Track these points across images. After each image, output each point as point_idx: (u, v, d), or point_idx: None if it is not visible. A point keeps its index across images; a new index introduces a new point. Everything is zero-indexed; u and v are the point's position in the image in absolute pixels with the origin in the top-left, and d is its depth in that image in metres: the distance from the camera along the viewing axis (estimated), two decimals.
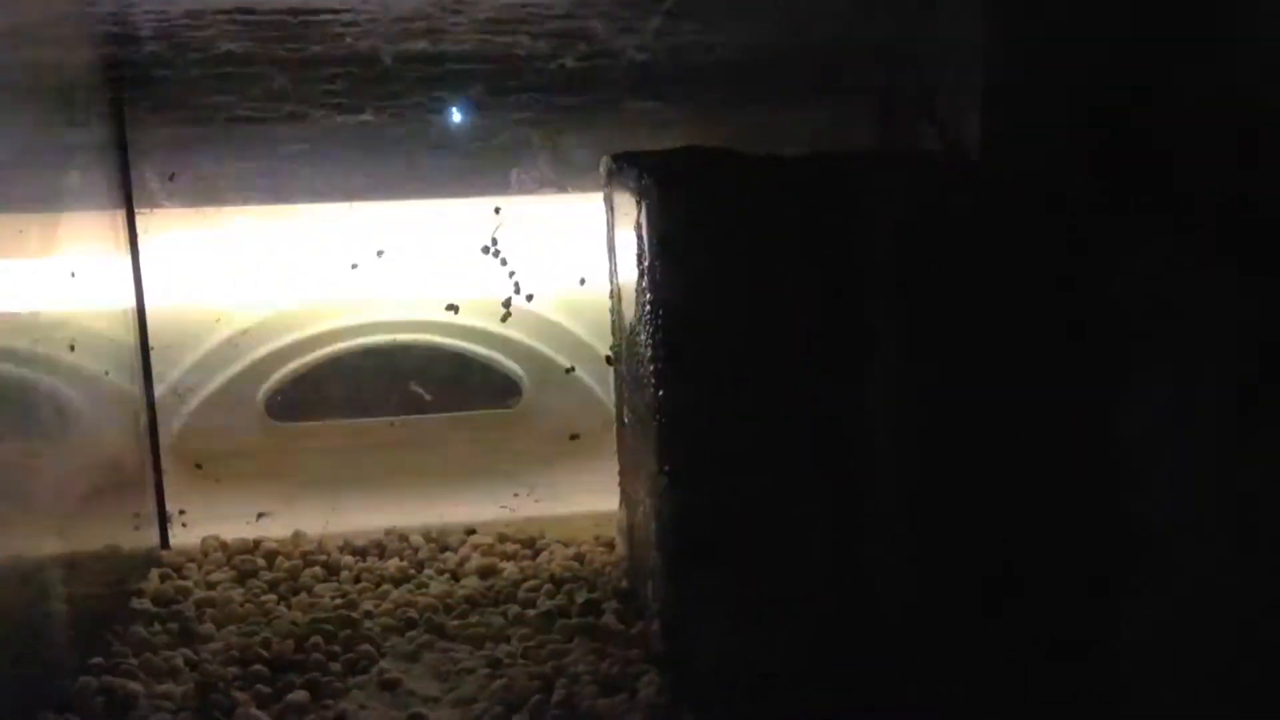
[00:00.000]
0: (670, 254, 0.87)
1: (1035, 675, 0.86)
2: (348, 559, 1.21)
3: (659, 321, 0.88)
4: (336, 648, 1.02)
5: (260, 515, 1.28)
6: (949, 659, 0.86)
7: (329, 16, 0.87)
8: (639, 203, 0.90)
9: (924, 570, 0.86)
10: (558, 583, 1.14)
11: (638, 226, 0.91)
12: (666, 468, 0.90)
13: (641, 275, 0.92)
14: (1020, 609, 0.88)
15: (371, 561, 1.21)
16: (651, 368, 0.90)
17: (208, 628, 1.06)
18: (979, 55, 1.13)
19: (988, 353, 0.84)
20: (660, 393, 0.89)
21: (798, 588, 0.88)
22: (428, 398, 1.33)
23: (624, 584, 1.13)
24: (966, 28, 1.12)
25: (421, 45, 0.92)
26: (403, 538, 1.25)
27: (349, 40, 0.90)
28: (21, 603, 0.90)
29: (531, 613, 1.09)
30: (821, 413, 0.87)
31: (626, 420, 1.12)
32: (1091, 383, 0.84)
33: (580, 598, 1.11)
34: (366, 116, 1.01)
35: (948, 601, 0.88)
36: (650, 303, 0.89)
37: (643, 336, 0.93)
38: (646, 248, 0.89)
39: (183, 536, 1.26)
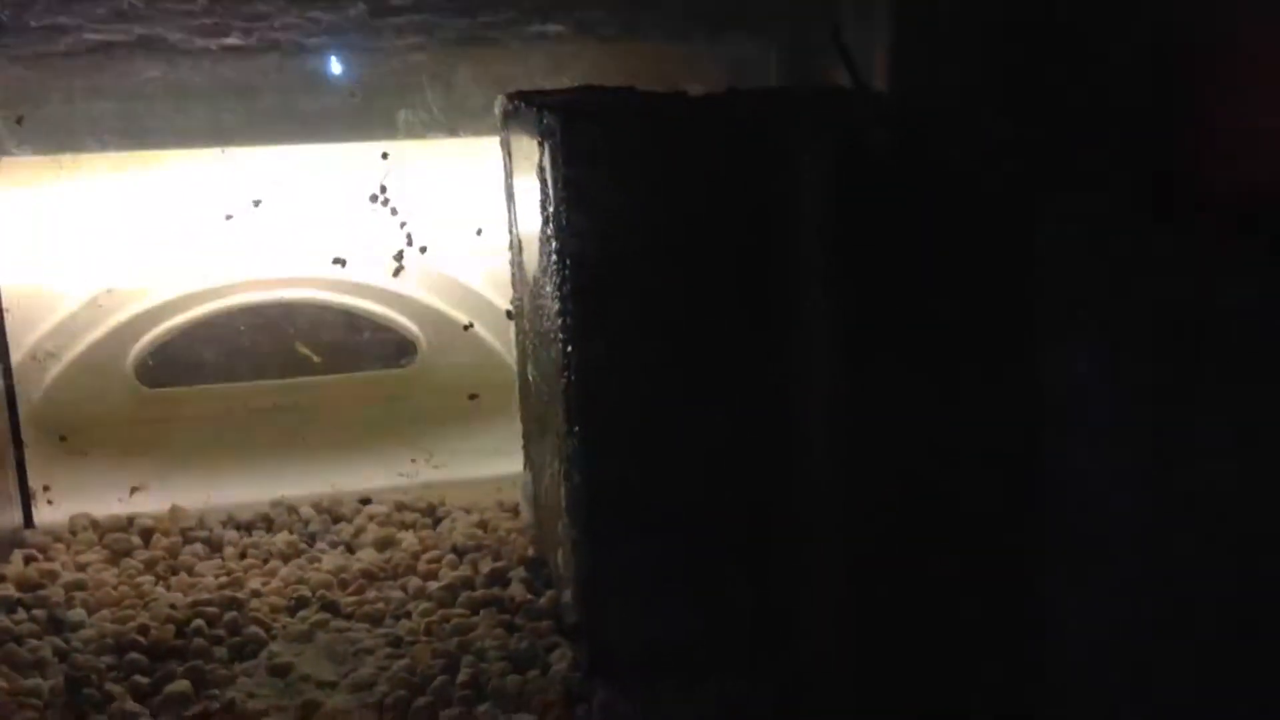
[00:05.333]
0: (576, 198, 0.80)
1: (965, 653, 0.82)
2: (231, 534, 1.13)
3: (566, 272, 0.82)
4: (221, 632, 0.94)
5: (134, 490, 1.18)
6: (879, 634, 0.82)
7: None
8: (541, 144, 0.83)
9: (854, 536, 0.82)
10: (460, 553, 1.08)
11: (540, 170, 0.85)
12: (577, 429, 0.84)
13: (545, 222, 0.85)
14: (951, 578, 0.85)
15: (258, 536, 1.13)
16: (559, 322, 0.84)
17: (78, 614, 0.97)
18: None
19: (914, 298, 0.79)
20: (569, 349, 0.83)
21: (717, 556, 0.83)
22: (315, 359, 1.25)
23: (530, 552, 1.07)
24: None
25: None
26: (291, 510, 1.17)
27: None
28: None
29: (433, 585, 1.02)
30: (743, 366, 0.81)
31: (531, 378, 1.06)
32: (1019, 331, 0.80)
33: (485, 568, 1.05)
34: (232, 40, 0.91)
35: (877, 572, 0.84)
36: (556, 252, 0.82)
37: (549, 289, 0.86)
38: (550, 192, 0.82)
39: (48, 515, 1.16)
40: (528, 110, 0.94)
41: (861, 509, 0.82)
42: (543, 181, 0.84)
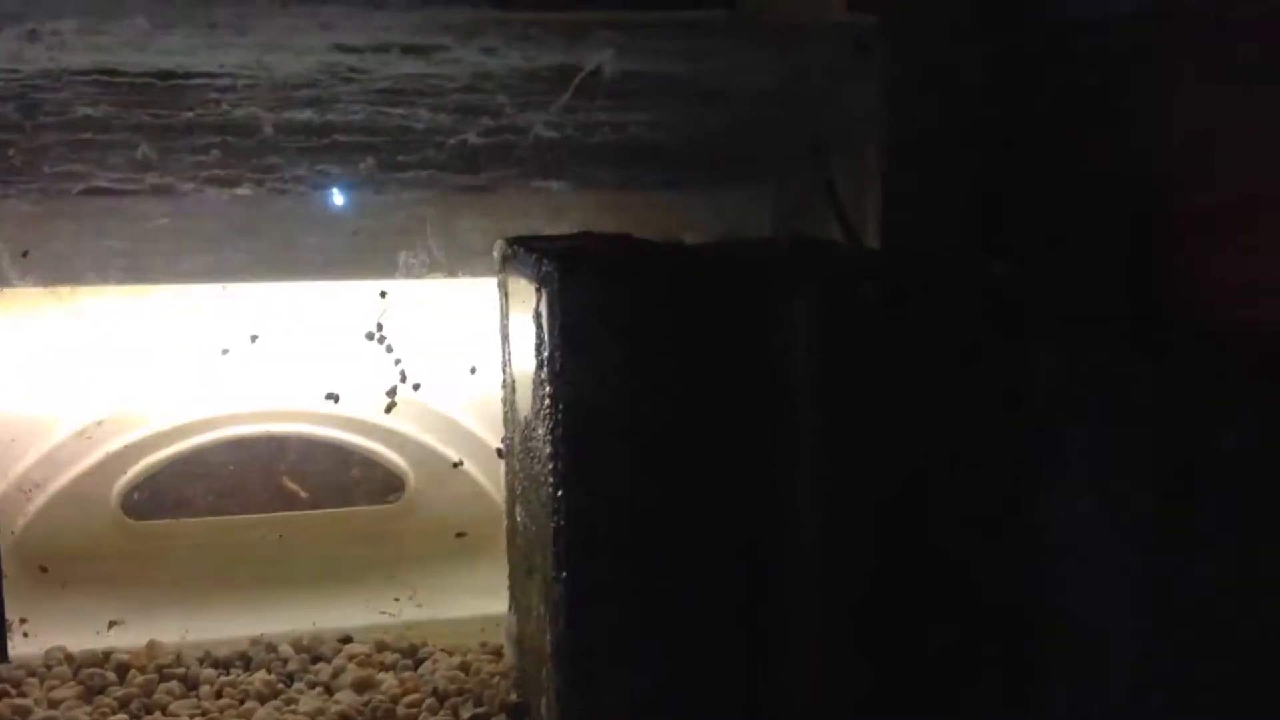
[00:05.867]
0: (571, 345, 0.81)
1: None
2: (208, 672, 1.10)
3: (559, 416, 0.82)
4: None
5: (112, 624, 1.16)
6: None
7: (203, 81, 0.80)
8: (538, 290, 0.85)
9: (845, 678, 0.81)
10: (441, 697, 1.06)
11: (536, 315, 0.86)
12: (564, 573, 0.84)
13: (540, 366, 0.86)
14: (944, 705, 0.84)
15: (235, 675, 1.10)
16: (550, 465, 0.84)
17: None
18: (878, 142, 1.12)
19: (907, 444, 0.80)
20: (559, 492, 0.83)
21: (711, 702, 0.82)
22: (302, 494, 1.24)
23: (513, 697, 1.05)
24: (866, 113, 1.12)
25: (307, 115, 0.85)
26: (271, 648, 1.15)
27: (225, 107, 0.83)
28: None
29: None
30: (735, 515, 0.81)
31: (519, 519, 1.05)
32: (1012, 470, 0.81)
33: (466, 714, 1.02)
34: (243, 190, 0.94)
35: (867, 704, 0.83)
36: (550, 396, 0.83)
37: (540, 431, 0.87)
38: (546, 337, 0.84)
39: (24, 648, 1.14)
40: (526, 256, 0.96)
41: (860, 652, 0.82)
42: (539, 326, 0.86)
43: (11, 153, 0.88)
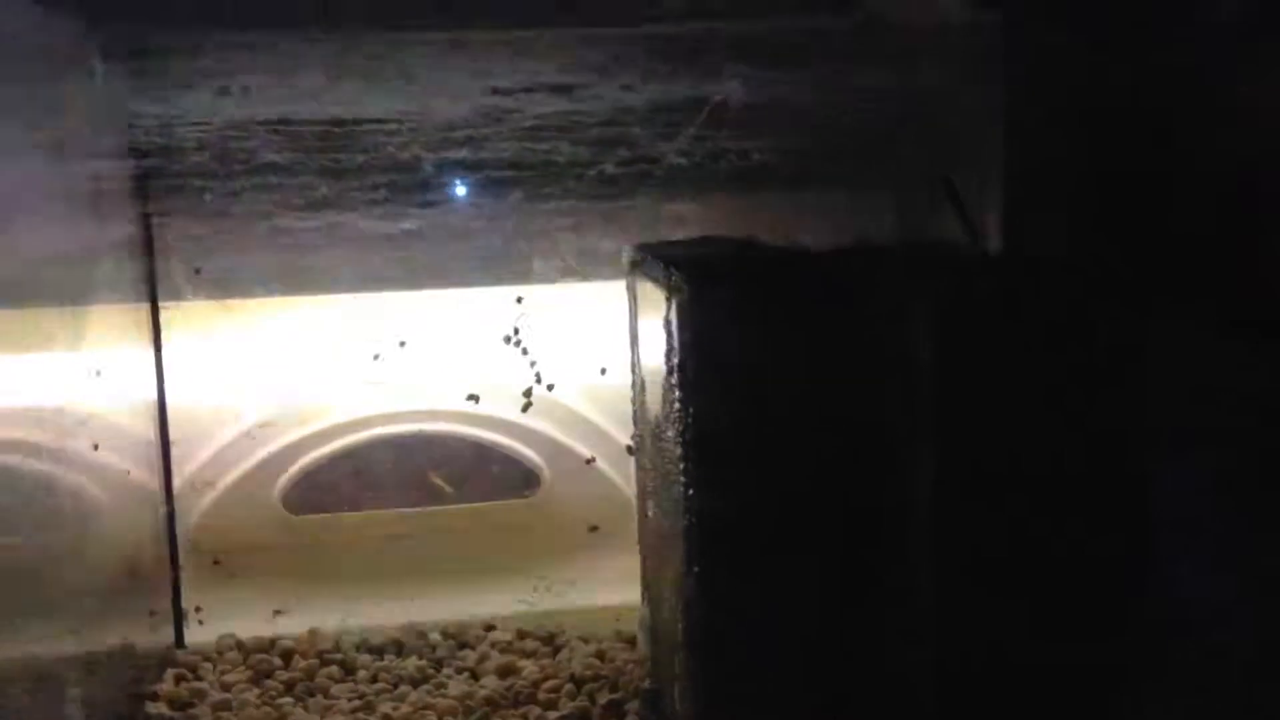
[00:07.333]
0: (701, 354, 0.85)
1: None
2: (364, 658, 1.19)
3: (689, 420, 0.87)
4: None
5: (276, 613, 1.26)
6: None
7: (372, 126, 0.87)
8: (668, 299, 0.89)
9: (962, 675, 0.84)
10: (579, 683, 1.12)
11: (666, 323, 0.90)
12: (696, 569, 0.88)
13: (670, 372, 0.90)
14: (1053, 701, 0.86)
15: (389, 660, 1.19)
16: (681, 465, 0.88)
17: None
18: (999, 140, 1.13)
19: (1025, 450, 0.82)
20: (690, 491, 0.87)
21: (836, 694, 0.86)
22: (448, 489, 1.31)
23: (647, 684, 1.10)
24: (988, 113, 1.13)
25: (462, 154, 0.92)
26: (421, 635, 1.23)
27: (391, 150, 0.91)
28: (36, 706, 0.88)
29: (553, 715, 1.06)
30: (861, 510, 0.85)
31: (650, 514, 1.10)
32: (1125, 471, 0.83)
33: (602, 699, 1.08)
34: (407, 225, 1.02)
35: (984, 703, 0.86)
36: (680, 400, 0.88)
37: (670, 433, 0.92)
38: (676, 344, 0.88)
39: (197, 634, 1.24)
40: (654, 263, 1.01)
41: (964, 640, 0.84)
42: (668, 333, 0.90)
43: (208, 197, 0.97)
